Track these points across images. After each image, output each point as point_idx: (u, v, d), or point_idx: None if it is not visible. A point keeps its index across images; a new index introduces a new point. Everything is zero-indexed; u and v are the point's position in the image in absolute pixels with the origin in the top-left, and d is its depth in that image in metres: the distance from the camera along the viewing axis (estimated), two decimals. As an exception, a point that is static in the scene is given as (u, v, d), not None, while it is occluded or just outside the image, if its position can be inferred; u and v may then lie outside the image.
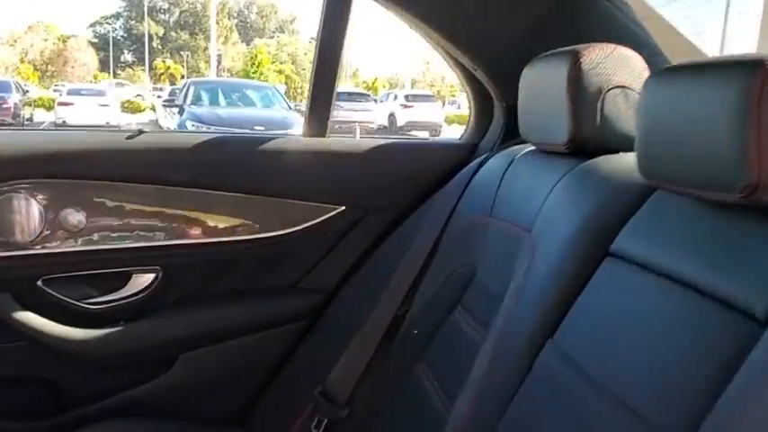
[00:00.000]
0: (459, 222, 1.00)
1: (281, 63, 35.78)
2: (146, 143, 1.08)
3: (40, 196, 1.04)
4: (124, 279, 1.10)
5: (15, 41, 33.99)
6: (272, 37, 43.48)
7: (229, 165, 1.11)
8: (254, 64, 28.37)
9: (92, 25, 41.27)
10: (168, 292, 1.12)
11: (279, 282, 1.17)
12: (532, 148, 0.94)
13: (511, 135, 1.11)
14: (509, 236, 0.83)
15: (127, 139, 1.08)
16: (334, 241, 1.16)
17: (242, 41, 42.36)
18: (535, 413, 0.62)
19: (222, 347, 1.13)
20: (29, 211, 1.04)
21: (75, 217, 1.06)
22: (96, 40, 39.55)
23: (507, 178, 0.92)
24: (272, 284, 1.17)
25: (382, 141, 1.16)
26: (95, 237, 1.08)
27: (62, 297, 1.08)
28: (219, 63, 35.15)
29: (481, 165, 1.04)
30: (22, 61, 32.84)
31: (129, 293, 1.10)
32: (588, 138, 0.76)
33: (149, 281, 1.11)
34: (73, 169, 1.05)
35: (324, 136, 1.16)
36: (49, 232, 1.05)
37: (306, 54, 39.91)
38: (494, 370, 0.70)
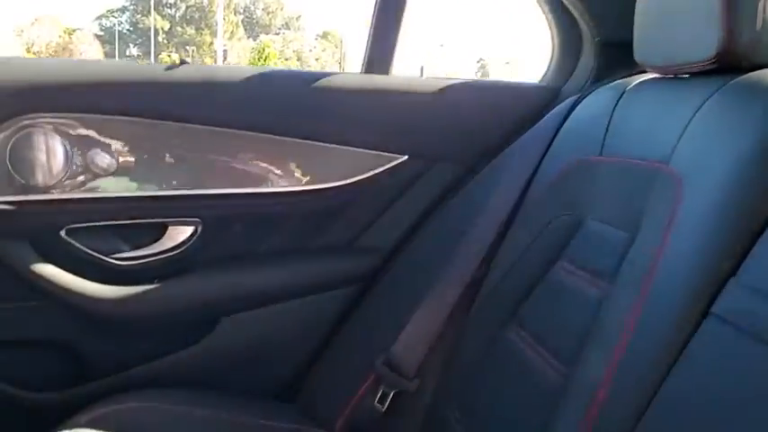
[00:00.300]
0: (552, 169, 0.86)
1: (286, 59, 35.61)
2: (187, 77, 0.95)
3: (66, 133, 0.91)
4: (159, 231, 0.97)
5: (22, 32, 33.93)
6: (277, 33, 43.37)
7: (279, 104, 0.97)
8: (260, 58, 28.23)
9: (98, 18, 41.21)
10: (208, 247, 0.99)
11: (332, 239, 1.03)
12: (649, 76, 0.81)
13: (602, 75, 0.98)
14: (634, 172, 0.70)
15: (166, 71, 0.94)
16: (395, 195, 1.03)
17: (248, 37, 42.27)
18: (724, 356, 0.49)
19: (268, 311, 1.00)
20: (52, 149, 0.91)
21: (105, 158, 0.93)
22: (102, 34, 39.46)
23: (621, 112, 0.78)
24: (324, 242, 1.03)
25: (451, 81, 1.03)
26: (128, 182, 0.95)
27: (88, 250, 0.94)
28: (225, 58, 35.05)
29: (574, 106, 0.91)
30: (28, 51, 32.76)
31: (164, 248, 0.97)
32: (744, 49, 0.63)
33: (188, 234, 0.97)
34: (105, 103, 0.92)
35: (386, 73, 1.02)
36: (74, 175, 0.92)
37: (311, 51, 39.79)
38: (643, 323, 0.56)
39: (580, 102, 0.92)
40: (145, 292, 0.95)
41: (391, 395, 0.87)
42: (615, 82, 0.87)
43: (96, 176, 0.93)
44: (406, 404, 0.88)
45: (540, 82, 1.09)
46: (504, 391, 0.75)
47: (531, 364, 0.72)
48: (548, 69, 1.09)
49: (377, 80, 1.01)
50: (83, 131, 0.92)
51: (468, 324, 0.86)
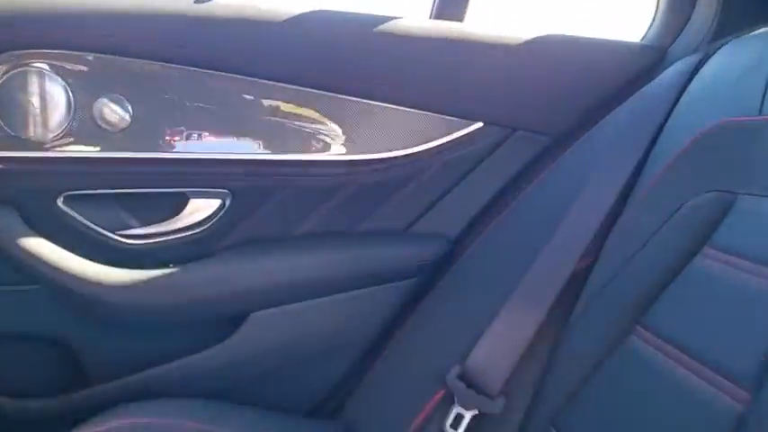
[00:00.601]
0: (678, 139, 0.68)
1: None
2: (223, 13, 0.77)
3: (70, 77, 0.73)
4: (178, 204, 0.79)
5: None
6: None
7: (332, 52, 0.79)
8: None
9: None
10: (238, 225, 0.81)
11: (387, 221, 0.85)
12: None
13: (725, 30, 0.80)
14: None
15: (195, 3, 0.77)
16: (466, 169, 0.84)
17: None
18: None
19: (308, 307, 0.81)
20: (51, 95, 0.73)
21: (117, 110, 0.75)
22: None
23: None
24: (378, 224, 0.85)
25: (537, 35, 0.84)
26: (143, 141, 0.77)
27: (90, 224, 0.77)
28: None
29: (698, 65, 0.74)
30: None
31: (183, 224, 0.79)
32: None
33: (213, 209, 0.79)
34: (120, 42, 0.74)
35: (461, 20, 0.84)
36: (76, 129, 0.75)
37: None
38: None
39: (706, 60, 0.74)
40: (157, 279, 0.77)
41: (468, 417, 0.69)
42: (759, 32, 0.70)
43: (104, 133, 0.75)
44: (489, 428, 0.69)
45: (641, 39, 0.91)
46: (636, 416, 0.57)
47: (679, 383, 0.54)
48: (650, 27, 0.90)
49: (448, 28, 0.83)
50: (92, 76, 0.74)
51: (573, 328, 0.68)
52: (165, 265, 0.79)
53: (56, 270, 0.74)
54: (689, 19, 0.86)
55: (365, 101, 0.81)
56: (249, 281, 0.80)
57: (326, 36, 0.80)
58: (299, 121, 0.80)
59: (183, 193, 0.79)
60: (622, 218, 0.69)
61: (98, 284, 0.75)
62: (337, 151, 0.82)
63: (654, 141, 0.72)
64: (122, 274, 0.76)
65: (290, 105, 0.79)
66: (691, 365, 0.53)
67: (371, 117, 0.81)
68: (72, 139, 0.75)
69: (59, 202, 0.75)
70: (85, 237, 0.77)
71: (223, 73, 0.76)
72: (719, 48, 0.74)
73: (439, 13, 0.84)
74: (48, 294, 0.77)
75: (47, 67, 0.72)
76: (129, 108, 0.75)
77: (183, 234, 0.79)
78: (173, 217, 0.79)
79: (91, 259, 0.76)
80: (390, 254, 0.84)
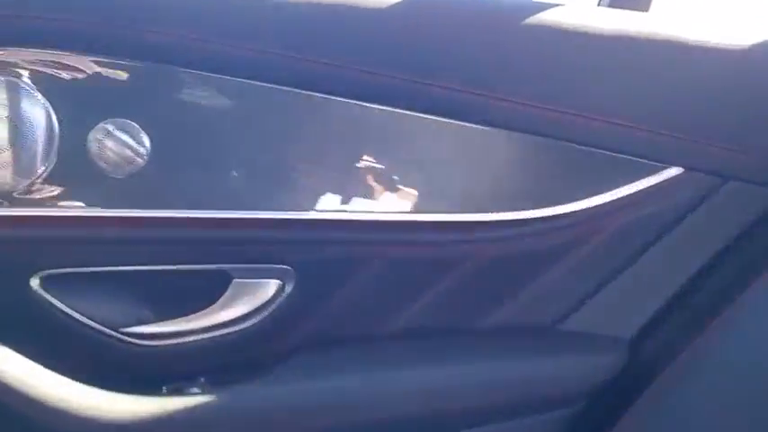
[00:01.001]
0: None
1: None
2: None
3: (56, 91, 0.48)
4: (214, 287, 0.53)
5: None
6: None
7: (441, 59, 0.52)
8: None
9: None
10: (304, 318, 0.53)
11: (530, 314, 0.56)
12: None
13: None
14: None
15: None
16: (654, 236, 0.56)
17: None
18: None
19: None
20: (27, 120, 0.48)
21: (126, 143, 0.49)
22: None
23: None
24: (514, 320, 0.56)
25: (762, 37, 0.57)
26: (163, 192, 0.51)
27: (79, 316, 0.51)
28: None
29: None
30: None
31: (221, 319, 0.52)
32: None
33: (268, 295, 0.52)
34: (125, 38, 0.49)
35: (646, 9, 0.57)
36: (63, 172, 0.49)
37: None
38: None
39: None
40: (179, 408, 0.50)
41: None
42: None
43: (105, 178, 0.49)
44: None
45: None
46: None
47: None
48: None
49: (629, 23, 0.55)
50: (88, 90, 0.49)
51: None
52: (195, 381, 0.52)
53: (23, 398, 0.48)
54: None
55: (497, 129, 0.53)
56: (320, 409, 0.52)
57: (450, 35, 0.53)
58: (397, 160, 0.53)
59: (223, 271, 0.52)
60: None
61: (87, 418, 0.48)
62: (454, 207, 0.54)
63: None
64: (127, 402, 0.49)
65: (384, 136, 0.53)
66: None
67: (509, 156, 0.54)
68: (56, 189, 0.49)
69: (34, 284, 0.50)
70: (72, 336, 0.51)
71: (290, 88, 0.50)
72: None
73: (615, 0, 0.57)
74: (15, 429, 0.51)
75: (23, 77, 0.47)
76: (145, 140, 0.49)
77: (221, 332, 0.52)
78: (206, 307, 0.52)
79: (79, 375, 0.50)
80: (536, 367, 0.55)
